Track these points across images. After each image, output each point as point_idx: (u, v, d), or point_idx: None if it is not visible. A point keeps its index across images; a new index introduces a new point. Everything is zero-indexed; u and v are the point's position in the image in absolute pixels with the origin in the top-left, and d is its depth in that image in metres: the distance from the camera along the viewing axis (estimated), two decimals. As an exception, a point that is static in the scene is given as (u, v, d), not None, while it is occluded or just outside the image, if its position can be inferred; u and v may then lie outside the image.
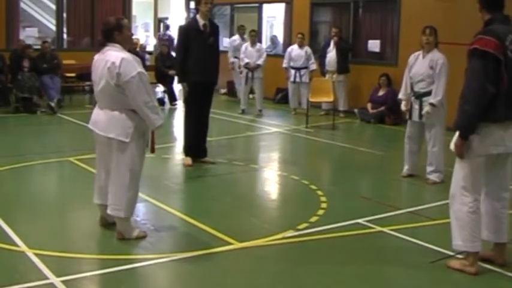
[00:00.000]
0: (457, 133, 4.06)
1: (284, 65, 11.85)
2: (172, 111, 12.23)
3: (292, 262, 4.35)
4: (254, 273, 4.14)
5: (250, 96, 12.41)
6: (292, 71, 11.71)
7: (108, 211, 4.62)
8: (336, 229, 5.02)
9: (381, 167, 7.70)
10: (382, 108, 10.78)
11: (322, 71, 11.57)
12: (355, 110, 11.31)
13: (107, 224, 4.87)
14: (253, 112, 11.77)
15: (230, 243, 4.60)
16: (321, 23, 13.30)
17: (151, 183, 6.23)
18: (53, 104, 11.04)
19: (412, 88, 6.69)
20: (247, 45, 11.99)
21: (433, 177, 6.62)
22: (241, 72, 11.97)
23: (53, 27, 14.58)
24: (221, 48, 8.24)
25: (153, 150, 4.83)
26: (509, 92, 3.95)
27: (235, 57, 12.90)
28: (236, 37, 13.55)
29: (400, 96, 6.88)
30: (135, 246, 4.56)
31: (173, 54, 12.02)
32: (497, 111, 3.95)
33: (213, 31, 7.22)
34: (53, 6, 14.46)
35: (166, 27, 20.15)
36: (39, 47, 12.08)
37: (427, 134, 6.66)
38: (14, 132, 9.73)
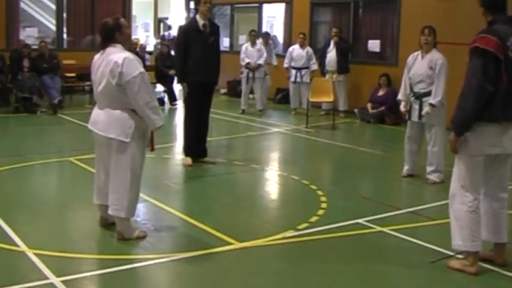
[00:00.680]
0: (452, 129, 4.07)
1: (285, 65, 11.85)
2: (172, 111, 12.23)
3: (292, 262, 4.35)
4: (254, 273, 4.14)
5: (250, 96, 12.41)
6: (293, 71, 11.71)
7: (109, 211, 4.62)
8: (336, 229, 5.02)
9: (381, 167, 7.71)
10: (382, 108, 10.78)
11: (322, 71, 11.57)
12: (355, 110, 11.31)
13: (107, 224, 4.87)
14: (253, 112, 11.78)
15: (230, 243, 4.60)
16: (321, 23, 13.30)
17: (151, 183, 6.23)
18: (55, 102, 11.05)
19: (411, 88, 6.69)
20: (247, 45, 11.99)
21: (433, 177, 6.62)
22: (241, 73, 11.97)
23: (53, 27, 14.57)
24: (223, 48, 8.23)
25: (152, 149, 4.83)
26: (508, 92, 3.95)
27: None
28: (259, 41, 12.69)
29: (400, 97, 6.87)
30: (135, 246, 4.56)
31: (173, 54, 12.00)
32: (494, 111, 3.95)
33: (214, 31, 7.22)
34: (53, 6, 14.45)
35: (169, 28, 20.15)
36: (37, 46, 12.09)
37: (427, 134, 6.66)
38: (14, 132, 9.74)
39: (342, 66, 11.42)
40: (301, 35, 11.79)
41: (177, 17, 21.62)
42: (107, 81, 4.46)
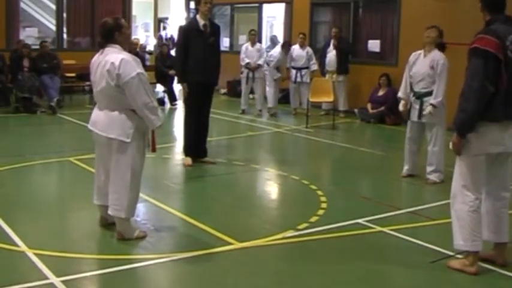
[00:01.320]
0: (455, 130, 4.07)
1: (286, 65, 11.84)
2: (172, 111, 12.23)
3: (292, 262, 4.35)
4: (254, 273, 4.14)
5: (251, 96, 12.41)
6: (293, 71, 11.71)
7: (109, 211, 4.62)
8: (336, 229, 5.02)
9: (381, 167, 7.71)
10: (382, 108, 10.77)
11: (322, 71, 11.57)
12: (355, 110, 11.31)
13: (107, 224, 4.86)
14: (253, 112, 11.78)
15: (230, 243, 4.60)
16: (321, 23, 13.30)
17: (152, 183, 6.23)
18: (53, 104, 11.04)
19: (411, 88, 6.69)
20: (247, 45, 11.98)
21: (433, 177, 6.62)
22: (241, 73, 11.97)
23: (53, 27, 14.58)
24: (223, 48, 8.22)
25: (154, 149, 4.82)
26: (509, 92, 3.96)
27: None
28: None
29: (400, 94, 6.87)
30: (135, 246, 4.56)
31: (173, 54, 12.00)
32: (495, 111, 3.95)
33: (214, 31, 7.22)
34: (53, 6, 14.46)
35: (163, 28, 20.15)
36: (38, 46, 12.08)
37: (428, 134, 6.66)
38: (14, 132, 9.74)
39: (342, 67, 11.42)
40: (301, 35, 11.78)
41: (177, 17, 21.62)
42: (105, 82, 4.46)
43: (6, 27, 13.51)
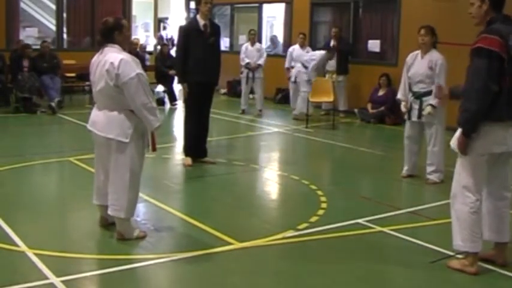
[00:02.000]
0: (459, 130, 4.06)
1: (286, 65, 11.84)
2: (172, 111, 12.23)
3: (292, 262, 4.35)
4: (254, 273, 4.14)
5: (251, 96, 12.40)
6: (293, 71, 11.69)
7: (109, 212, 4.62)
8: (336, 229, 5.02)
9: (381, 167, 7.71)
10: (382, 108, 10.78)
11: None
12: (355, 110, 11.31)
13: (107, 224, 4.86)
14: (253, 112, 11.77)
15: (230, 243, 4.60)
16: (321, 23, 13.30)
17: (152, 183, 6.23)
18: (53, 105, 11.04)
19: (410, 88, 6.69)
20: (247, 45, 11.98)
21: (433, 177, 6.62)
22: (241, 73, 11.97)
23: (53, 27, 14.58)
24: (223, 48, 8.22)
25: (154, 149, 4.82)
26: (511, 91, 3.95)
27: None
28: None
29: (399, 96, 6.86)
30: (135, 246, 4.56)
31: (173, 54, 12.00)
32: (499, 110, 3.95)
33: (214, 31, 7.22)
34: (53, 6, 14.46)
35: (164, 28, 20.14)
36: (38, 46, 12.08)
37: (427, 134, 6.66)
38: (14, 132, 9.73)
39: (342, 67, 11.41)
40: (301, 35, 11.77)
41: (177, 17, 21.62)
42: (104, 82, 4.46)
43: (6, 27, 13.51)
